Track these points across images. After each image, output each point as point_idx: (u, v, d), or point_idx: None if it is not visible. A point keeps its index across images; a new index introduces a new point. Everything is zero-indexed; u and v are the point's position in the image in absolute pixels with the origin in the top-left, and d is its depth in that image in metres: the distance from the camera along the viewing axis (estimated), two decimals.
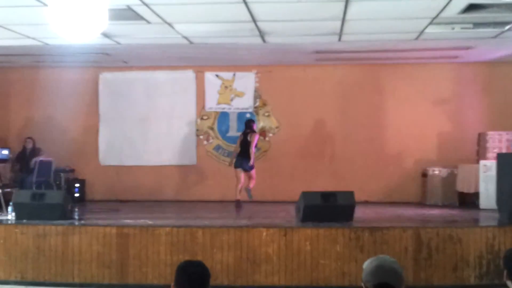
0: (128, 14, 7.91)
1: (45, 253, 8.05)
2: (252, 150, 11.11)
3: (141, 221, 8.58)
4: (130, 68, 12.94)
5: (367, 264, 3.00)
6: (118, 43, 9.94)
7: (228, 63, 12.50)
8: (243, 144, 11.16)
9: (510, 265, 3.15)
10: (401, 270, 2.96)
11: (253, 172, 11.25)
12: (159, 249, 7.92)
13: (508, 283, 3.17)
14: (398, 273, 2.93)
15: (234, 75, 12.93)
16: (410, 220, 9.33)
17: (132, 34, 9.32)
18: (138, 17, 8.09)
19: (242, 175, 11.17)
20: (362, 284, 2.98)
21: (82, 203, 11.97)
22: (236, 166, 11.16)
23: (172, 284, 3.24)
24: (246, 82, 12.90)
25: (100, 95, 13.15)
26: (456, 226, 8.15)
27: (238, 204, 10.98)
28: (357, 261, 7.55)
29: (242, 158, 11.10)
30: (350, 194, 8.66)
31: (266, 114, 13.01)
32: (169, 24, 8.58)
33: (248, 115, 12.95)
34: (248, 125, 11.40)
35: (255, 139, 11.19)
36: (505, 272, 3.16)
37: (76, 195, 12.35)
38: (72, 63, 12.34)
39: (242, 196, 11.13)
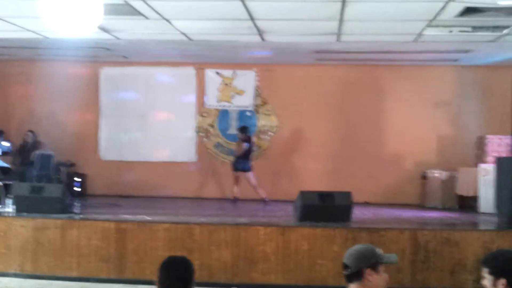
0: (125, 9, 7.95)
1: (44, 246, 8.07)
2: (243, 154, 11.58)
3: (140, 217, 8.60)
4: (131, 63, 12.95)
5: None
6: (118, 38, 9.97)
7: (228, 60, 12.51)
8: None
9: (493, 264, 3.19)
10: (361, 252, 3.16)
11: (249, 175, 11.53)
12: (157, 245, 7.93)
13: (487, 279, 3.20)
14: (355, 255, 3.15)
15: (234, 72, 12.94)
16: (408, 222, 9.35)
17: (131, 29, 9.35)
18: (136, 12, 8.12)
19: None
20: None
21: (82, 198, 11.98)
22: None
23: (156, 281, 3.22)
24: (246, 80, 12.92)
25: (101, 90, 13.18)
26: (454, 229, 8.18)
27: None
28: None
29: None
30: (348, 194, 8.68)
31: (267, 112, 13.03)
32: (167, 20, 8.62)
33: (248, 113, 13.00)
34: (239, 132, 11.87)
35: (242, 147, 11.58)
36: (486, 270, 3.19)
37: (77, 189, 12.38)
38: (73, 57, 12.34)
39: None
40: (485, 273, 3.19)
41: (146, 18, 8.49)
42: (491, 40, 9.51)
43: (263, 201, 11.33)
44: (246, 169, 11.45)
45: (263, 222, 8.45)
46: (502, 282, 3.10)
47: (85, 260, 7.99)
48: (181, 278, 3.22)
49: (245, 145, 11.49)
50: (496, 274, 3.13)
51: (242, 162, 11.49)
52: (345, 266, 3.16)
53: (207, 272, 7.81)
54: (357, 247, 3.22)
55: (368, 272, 3.11)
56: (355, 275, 3.13)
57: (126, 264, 7.97)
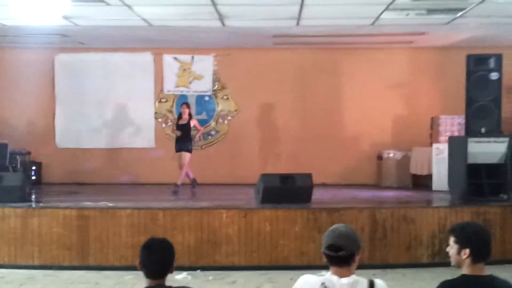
0: None
1: (4, 235, 7.99)
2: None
3: (102, 203, 8.58)
4: (87, 49, 12.77)
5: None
6: (76, 25, 9.83)
7: (186, 45, 12.47)
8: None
9: (460, 233, 3.36)
10: (353, 235, 3.13)
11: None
12: (120, 231, 7.95)
13: (452, 246, 3.37)
14: (349, 236, 3.10)
15: (192, 58, 12.91)
16: (366, 201, 9.59)
17: (91, 16, 9.26)
18: None
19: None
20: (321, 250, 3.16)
21: (38, 186, 11.85)
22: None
23: (138, 262, 3.31)
24: (204, 65, 12.91)
25: (57, 77, 12.97)
26: (410, 207, 8.43)
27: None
28: (315, 241, 7.68)
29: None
30: (308, 176, 8.83)
31: (225, 97, 13.08)
32: (128, 6, 8.56)
33: (206, 98, 13.01)
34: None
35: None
36: (453, 239, 3.36)
37: (33, 177, 12.23)
38: (28, 44, 12.09)
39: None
40: (451, 241, 3.37)
41: (107, 4, 8.39)
42: (445, 22, 9.76)
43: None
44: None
45: (226, 205, 8.53)
46: (466, 251, 3.28)
47: (47, 248, 7.95)
48: (162, 258, 3.30)
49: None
50: (462, 243, 3.30)
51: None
52: (338, 248, 3.05)
53: None
54: (345, 229, 3.14)
55: (357, 256, 3.10)
56: (347, 258, 3.07)
57: (89, 251, 7.96)
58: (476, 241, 3.29)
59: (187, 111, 10.95)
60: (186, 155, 10.82)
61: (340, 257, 3.06)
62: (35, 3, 5.80)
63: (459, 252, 3.30)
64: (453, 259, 3.35)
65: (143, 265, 3.28)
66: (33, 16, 6.01)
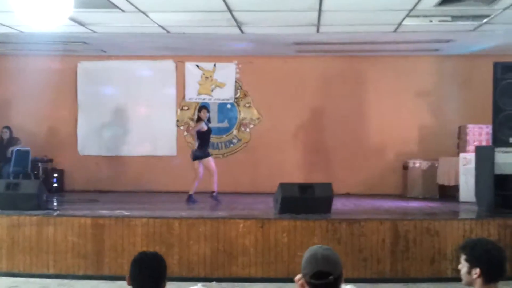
0: (100, 2, 7.84)
1: (19, 244, 7.95)
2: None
3: (117, 212, 8.48)
4: (109, 57, 12.77)
5: (302, 260, 2.92)
6: (94, 32, 9.83)
7: (208, 53, 12.40)
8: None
9: (470, 252, 3.16)
10: (335, 256, 2.88)
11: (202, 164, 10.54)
12: (135, 240, 7.83)
13: (463, 265, 3.17)
14: (331, 259, 2.85)
15: (214, 65, 12.82)
16: (388, 213, 9.32)
17: (107, 23, 9.23)
18: (111, 5, 8.00)
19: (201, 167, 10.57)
20: (303, 280, 2.88)
21: (60, 194, 11.87)
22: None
23: (127, 276, 3.16)
24: (227, 72, 12.81)
25: (79, 84, 13.00)
26: (434, 219, 8.15)
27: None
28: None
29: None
30: (328, 186, 8.62)
31: (247, 105, 12.94)
32: (144, 13, 8.51)
33: (228, 106, 12.89)
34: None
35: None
36: (463, 257, 3.16)
37: (55, 185, 12.27)
38: (50, 51, 12.16)
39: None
40: (462, 259, 3.16)
41: (122, 10, 8.38)
42: (471, 29, 9.50)
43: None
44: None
45: (243, 215, 8.36)
46: (476, 271, 3.07)
47: (62, 257, 7.88)
48: (153, 274, 3.16)
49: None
50: (472, 262, 3.10)
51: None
52: (326, 274, 2.80)
53: (186, 266, 7.76)
54: (325, 251, 2.89)
55: (342, 278, 2.87)
56: (336, 283, 2.83)
57: (103, 260, 7.86)
58: (488, 261, 3.08)
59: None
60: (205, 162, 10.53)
61: (329, 283, 2.81)
62: (37, 7, 5.73)
63: (469, 272, 3.09)
64: (464, 278, 3.15)
65: (133, 280, 3.12)
66: (39, 21, 5.95)
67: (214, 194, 10.44)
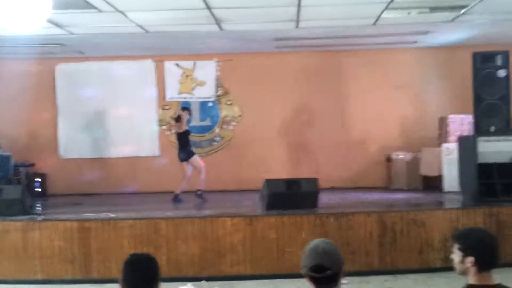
0: (77, 3, 7.75)
1: (4, 250, 7.84)
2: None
3: (103, 215, 8.40)
4: (88, 58, 12.62)
5: (303, 252, 2.95)
6: (72, 33, 9.72)
7: (188, 52, 12.33)
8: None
9: (464, 241, 3.17)
10: (336, 251, 2.91)
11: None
12: (122, 243, 7.76)
13: (456, 254, 3.18)
14: (332, 254, 2.88)
15: (194, 64, 12.76)
16: (374, 205, 9.36)
17: (85, 24, 9.14)
18: (89, 5, 7.92)
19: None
20: (302, 272, 2.91)
21: (44, 198, 11.72)
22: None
23: (120, 279, 3.11)
24: (207, 70, 12.76)
25: (58, 87, 12.84)
26: (420, 210, 8.21)
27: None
28: None
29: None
30: (314, 180, 8.62)
31: (229, 102, 12.90)
32: (122, 12, 8.43)
33: (210, 104, 12.85)
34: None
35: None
36: (456, 246, 3.17)
37: (37, 189, 12.12)
38: (27, 54, 11.91)
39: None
40: (455, 248, 3.17)
41: (99, 11, 8.30)
42: (449, 20, 9.57)
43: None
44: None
45: (230, 213, 8.34)
46: (470, 259, 3.09)
47: (49, 262, 7.78)
48: (146, 276, 3.12)
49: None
50: (466, 251, 3.12)
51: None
52: (322, 268, 2.82)
53: (175, 267, 7.71)
54: (326, 245, 2.92)
55: (342, 273, 2.89)
56: (335, 277, 2.85)
57: (91, 264, 7.78)
58: (481, 249, 3.09)
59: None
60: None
61: (328, 277, 2.82)
62: (14, 9, 5.64)
63: (463, 261, 3.11)
64: (457, 268, 3.16)
65: (126, 282, 3.08)
66: (16, 23, 5.88)
67: (199, 192, 10.42)
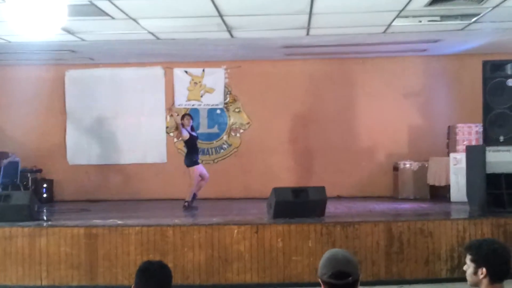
0: (90, 10, 7.77)
1: (11, 256, 7.85)
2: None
3: (110, 221, 8.41)
4: (97, 65, 12.68)
5: (321, 260, 2.98)
6: (83, 40, 9.76)
7: (197, 59, 12.36)
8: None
9: (476, 252, 3.16)
10: (354, 259, 2.95)
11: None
12: (129, 249, 7.77)
13: (468, 265, 3.17)
14: (351, 261, 2.92)
15: (203, 71, 12.79)
16: (381, 214, 9.32)
17: (97, 30, 9.17)
18: (102, 12, 7.94)
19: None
20: (319, 280, 2.93)
21: (50, 204, 11.76)
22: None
23: (132, 285, 3.12)
24: (215, 78, 12.78)
25: (67, 93, 12.89)
26: (427, 219, 8.16)
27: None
28: None
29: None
30: (322, 189, 8.60)
31: (237, 110, 12.91)
32: (134, 20, 8.46)
33: (218, 111, 12.86)
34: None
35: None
36: (469, 257, 3.16)
37: (44, 195, 12.15)
38: (37, 61, 12.05)
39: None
40: (468, 259, 3.16)
41: (112, 18, 8.33)
42: (460, 28, 9.54)
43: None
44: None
45: (237, 221, 8.32)
46: (482, 271, 3.07)
47: (55, 268, 7.79)
48: (159, 283, 3.13)
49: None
50: (478, 262, 3.11)
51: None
52: (345, 274, 2.85)
53: (181, 274, 7.69)
54: (345, 253, 2.97)
55: (358, 285, 2.92)
56: (354, 284, 2.87)
57: (97, 270, 7.78)
58: (494, 260, 3.08)
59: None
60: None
61: (348, 284, 2.85)
62: (31, 17, 5.68)
63: (475, 272, 3.09)
64: (469, 279, 3.15)
65: None
66: (32, 30, 5.91)
67: (186, 204, 10.40)
